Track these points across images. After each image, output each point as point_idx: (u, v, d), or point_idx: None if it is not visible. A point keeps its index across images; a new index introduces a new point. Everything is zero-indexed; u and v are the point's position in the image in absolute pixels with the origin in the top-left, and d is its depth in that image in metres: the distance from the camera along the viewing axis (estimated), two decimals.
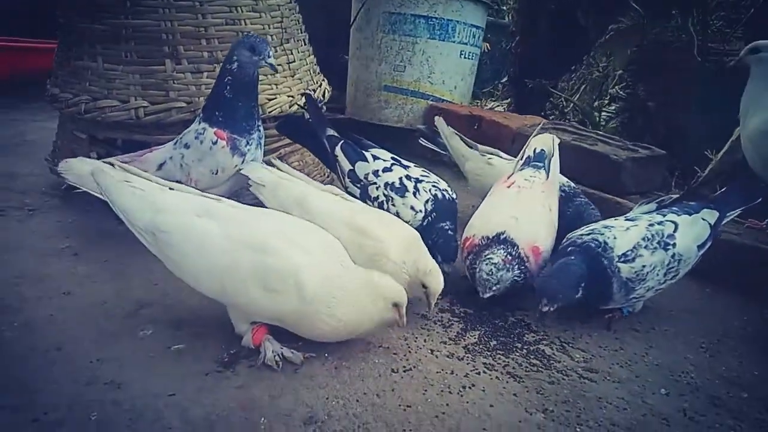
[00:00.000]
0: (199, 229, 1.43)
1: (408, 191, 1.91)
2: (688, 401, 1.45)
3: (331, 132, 2.09)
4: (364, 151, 2.02)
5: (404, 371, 1.46)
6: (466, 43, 3.48)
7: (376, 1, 3.36)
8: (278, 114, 2.44)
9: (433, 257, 1.78)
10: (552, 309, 1.61)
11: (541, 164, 2.01)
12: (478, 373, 1.49)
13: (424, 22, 3.33)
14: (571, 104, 4.40)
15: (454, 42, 3.41)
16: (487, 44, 5.53)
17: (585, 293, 1.65)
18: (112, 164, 1.59)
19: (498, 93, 5.42)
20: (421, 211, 1.88)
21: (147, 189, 1.50)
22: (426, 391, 1.40)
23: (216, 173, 1.92)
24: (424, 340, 1.62)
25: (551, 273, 1.67)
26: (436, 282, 1.66)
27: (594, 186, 2.46)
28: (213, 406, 1.28)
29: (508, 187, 1.95)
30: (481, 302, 1.78)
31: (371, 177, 1.96)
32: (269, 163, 1.93)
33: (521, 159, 2.08)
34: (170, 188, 1.54)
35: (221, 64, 1.99)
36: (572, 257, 1.70)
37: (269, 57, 1.91)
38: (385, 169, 1.97)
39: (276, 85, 2.45)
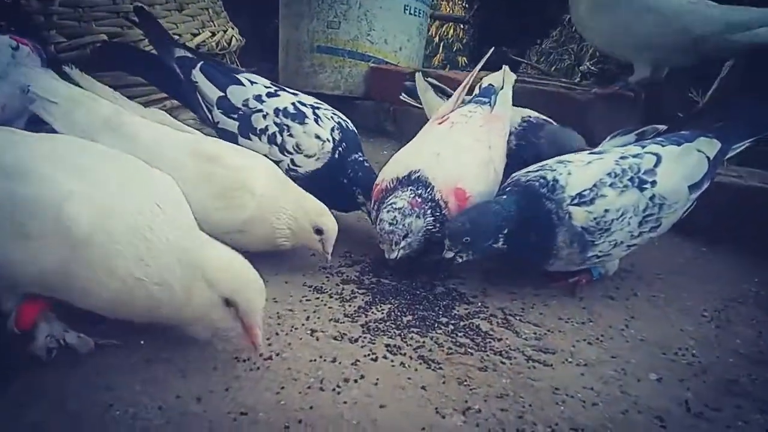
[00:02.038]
0: None
1: (308, 117, 1.43)
2: (692, 389, 0.95)
3: (182, 53, 1.55)
4: (234, 75, 1.53)
5: (259, 360, 0.95)
6: None
7: None
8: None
9: (352, 195, 1.43)
10: (459, 259, 1.18)
11: (486, 99, 1.52)
12: (374, 359, 0.98)
13: None
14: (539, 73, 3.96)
15: None
16: None
17: (511, 244, 1.19)
18: None
19: None
20: (329, 140, 1.41)
21: None
22: (283, 388, 0.88)
23: (27, 91, 1.31)
24: (307, 318, 1.11)
25: (463, 213, 1.21)
26: (332, 222, 1.25)
27: None
28: None
29: (440, 124, 1.46)
30: (401, 270, 1.29)
31: (253, 103, 1.46)
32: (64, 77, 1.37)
33: (463, 96, 1.58)
34: None
35: None
36: (503, 197, 1.22)
37: None
38: (270, 94, 1.49)
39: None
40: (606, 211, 1.18)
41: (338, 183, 1.41)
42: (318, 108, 1.47)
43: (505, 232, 1.18)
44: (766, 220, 1.53)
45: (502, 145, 1.46)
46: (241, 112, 1.46)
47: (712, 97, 2.07)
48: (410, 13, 3.06)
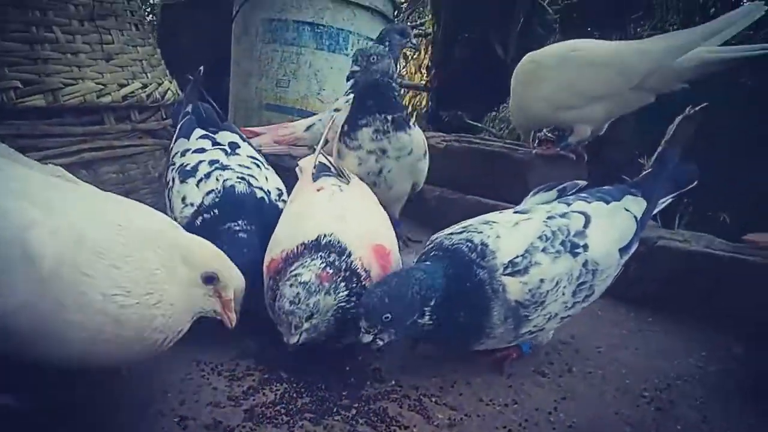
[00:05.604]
0: None
1: (193, 177, 1.31)
2: None
3: (189, 107, 1.59)
4: (200, 129, 1.49)
5: None
6: None
7: (254, 5, 2.88)
8: (79, 105, 1.83)
9: None
10: (380, 342, 0.97)
11: (331, 173, 1.37)
12: None
13: (309, 29, 2.85)
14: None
15: (347, 55, 2.92)
16: None
17: (439, 320, 1.01)
18: None
19: None
20: (192, 204, 1.26)
21: None
22: None
23: None
24: (182, 402, 0.94)
25: (380, 283, 1.03)
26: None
27: (492, 195, 1.89)
28: None
29: (318, 190, 1.29)
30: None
31: (177, 158, 1.41)
32: None
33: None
34: None
35: None
36: (427, 263, 1.07)
37: None
38: (198, 150, 1.41)
39: (78, 66, 1.84)
40: (541, 281, 1.04)
41: None
42: (227, 168, 1.32)
43: (432, 304, 1.00)
44: (712, 288, 1.43)
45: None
46: (168, 165, 1.44)
47: (657, 159, 2.03)
48: None
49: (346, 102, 1.88)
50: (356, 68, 1.47)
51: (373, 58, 1.46)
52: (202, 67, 1.79)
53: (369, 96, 1.49)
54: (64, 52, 1.83)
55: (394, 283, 1.01)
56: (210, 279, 0.92)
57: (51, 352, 0.80)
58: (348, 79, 1.54)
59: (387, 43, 1.99)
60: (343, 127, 1.53)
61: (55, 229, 0.78)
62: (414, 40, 2.09)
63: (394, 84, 1.52)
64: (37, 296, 0.75)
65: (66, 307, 0.77)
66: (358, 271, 1.05)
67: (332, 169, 1.38)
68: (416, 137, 1.53)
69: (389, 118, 1.48)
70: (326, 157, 1.47)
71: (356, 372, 1.08)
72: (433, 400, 1.01)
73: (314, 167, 1.39)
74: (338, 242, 1.06)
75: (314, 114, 2.91)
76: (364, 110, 1.50)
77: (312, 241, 1.07)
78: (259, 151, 1.58)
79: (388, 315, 0.97)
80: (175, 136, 1.53)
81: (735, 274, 1.41)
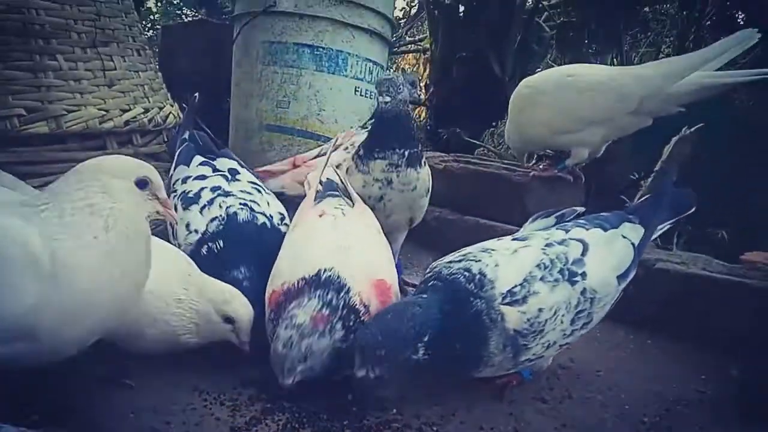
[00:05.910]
0: None
1: (196, 203, 1.33)
2: None
3: (186, 135, 1.62)
4: (200, 156, 1.53)
5: None
6: (361, 79, 3.03)
7: (254, 28, 2.92)
8: (82, 131, 1.85)
9: None
10: (372, 376, 0.97)
11: (337, 193, 1.42)
12: None
13: (309, 51, 2.88)
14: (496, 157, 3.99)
15: (346, 76, 2.96)
16: None
17: (434, 354, 1.01)
18: None
19: None
20: (196, 231, 1.28)
21: None
22: None
23: None
24: None
25: (375, 318, 1.04)
26: (243, 307, 1.11)
27: (490, 216, 1.91)
28: None
29: (320, 216, 1.30)
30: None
31: (178, 184, 1.44)
32: None
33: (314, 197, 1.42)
34: None
35: None
36: (423, 296, 1.08)
37: None
38: (199, 177, 1.44)
39: (81, 93, 1.87)
40: (540, 310, 1.05)
41: None
42: (229, 195, 1.36)
43: (426, 339, 1.00)
44: (710, 310, 1.44)
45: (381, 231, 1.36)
46: (172, 192, 1.44)
47: (654, 180, 2.05)
48: (361, 95, 3.06)
49: None
50: (387, 98, 1.40)
51: (400, 88, 1.41)
52: (197, 94, 1.82)
53: (390, 129, 1.43)
54: (66, 80, 1.86)
55: (390, 318, 1.01)
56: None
57: (56, 347, 0.86)
58: (377, 113, 1.49)
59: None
60: (358, 149, 1.50)
61: (57, 234, 0.84)
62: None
63: (409, 110, 1.49)
64: (46, 296, 0.81)
65: (74, 304, 0.84)
66: (356, 307, 1.06)
67: (340, 187, 1.41)
68: (423, 175, 1.50)
69: (406, 153, 1.43)
70: (337, 173, 1.50)
71: (358, 401, 1.08)
72: (435, 429, 1.02)
73: (320, 183, 1.42)
74: (338, 278, 1.07)
75: (314, 134, 2.95)
76: (383, 143, 1.43)
77: (312, 276, 1.08)
78: (281, 194, 1.60)
79: (382, 351, 0.97)
80: (173, 164, 1.55)
81: (732, 296, 1.42)
